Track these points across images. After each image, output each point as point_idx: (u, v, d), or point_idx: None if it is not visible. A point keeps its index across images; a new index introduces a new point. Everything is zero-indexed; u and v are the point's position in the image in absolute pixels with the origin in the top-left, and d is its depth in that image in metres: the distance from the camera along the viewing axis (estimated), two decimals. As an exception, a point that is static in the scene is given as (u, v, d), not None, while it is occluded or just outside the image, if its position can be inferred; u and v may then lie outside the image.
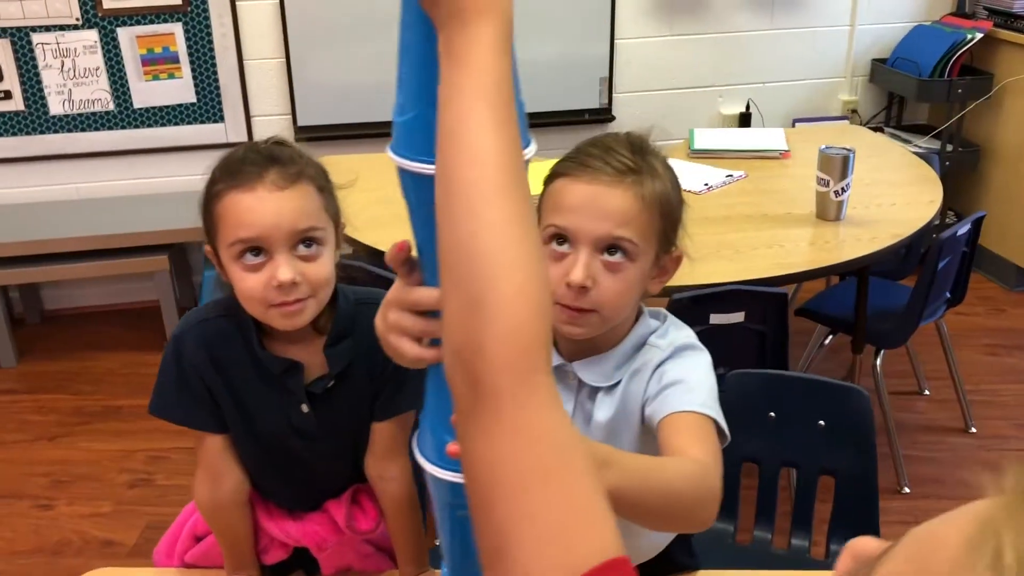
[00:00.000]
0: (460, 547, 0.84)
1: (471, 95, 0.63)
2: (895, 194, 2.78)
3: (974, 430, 3.01)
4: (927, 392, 3.21)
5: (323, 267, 1.24)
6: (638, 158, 1.13)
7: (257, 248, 1.21)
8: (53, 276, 3.64)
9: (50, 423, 3.21)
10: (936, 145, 3.89)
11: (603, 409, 1.20)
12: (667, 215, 1.15)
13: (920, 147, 3.81)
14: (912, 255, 3.02)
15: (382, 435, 1.35)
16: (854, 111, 4.10)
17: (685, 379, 1.14)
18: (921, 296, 2.58)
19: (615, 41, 3.82)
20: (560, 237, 1.14)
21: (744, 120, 4.00)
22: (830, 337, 2.89)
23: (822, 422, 1.82)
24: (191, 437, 1.39)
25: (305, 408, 1.32)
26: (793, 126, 3.96)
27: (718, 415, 1.11)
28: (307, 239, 1.23)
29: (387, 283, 0.85)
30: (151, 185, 3.73)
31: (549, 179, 1.18)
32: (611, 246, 1.12)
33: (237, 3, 3.58)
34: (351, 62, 3.63)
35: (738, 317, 2.28)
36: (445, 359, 0.62)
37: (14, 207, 3.68)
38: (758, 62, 3.99)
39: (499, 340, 0.59)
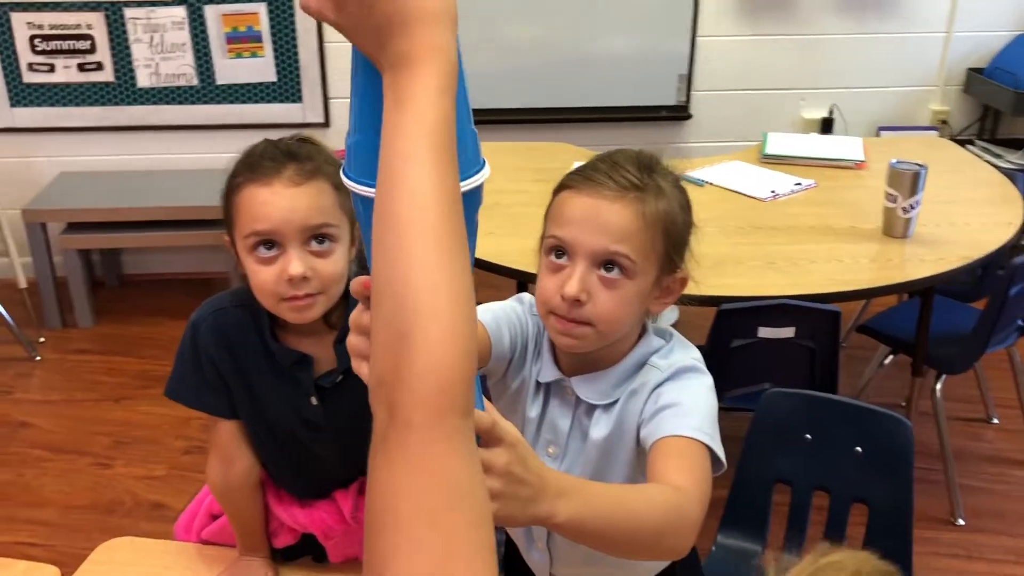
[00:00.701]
0: None
1: (412, 136, 0.64)
2: (970, 213, 2.66)
3: (1042, 465, 2.87)
4: (995, 421, 3.07)
5: (335, 263, 1.26)
6: (644, 175, 1.11)
7: (271, 241, 1.23)
8: (132, 243, 3.79)
9: (117, 384, 3.34)
10: (1030, 162, 3.71)
11: (599, 427, 1.18)
12: (670, 235, 1.12)
13: (1012, 163, 3.64)
14: (988, 277, 2.89)
15: None
16: (944, 122, 3.93)
17: (681, 402, 1.11)
18: (988, 323, 2.46)
19: (696, 38, 3.75)
20: (559, 249, 1.12)
21: (826, 126, 3.88)
22: (891, 357, 2.79)
23: (859, 448, 1.77)
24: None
25: (314, 401, 1.34)
26: (878, 135, 3.82)
27: (712, 441, 1.08)
28: (320, 235, 1.24)
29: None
30: (229, 160, 3.82)
31: (556, 190, 1.16)
32: (608, 261, 1.10)
33: (321, -15, 3.63)
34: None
35: (788, 332, 2.22)
36: (370, 386, 0.63)
37: (100, 174, 3.83)
38: (844, 66, 3.86)
39: (419, 376, 0.60)
